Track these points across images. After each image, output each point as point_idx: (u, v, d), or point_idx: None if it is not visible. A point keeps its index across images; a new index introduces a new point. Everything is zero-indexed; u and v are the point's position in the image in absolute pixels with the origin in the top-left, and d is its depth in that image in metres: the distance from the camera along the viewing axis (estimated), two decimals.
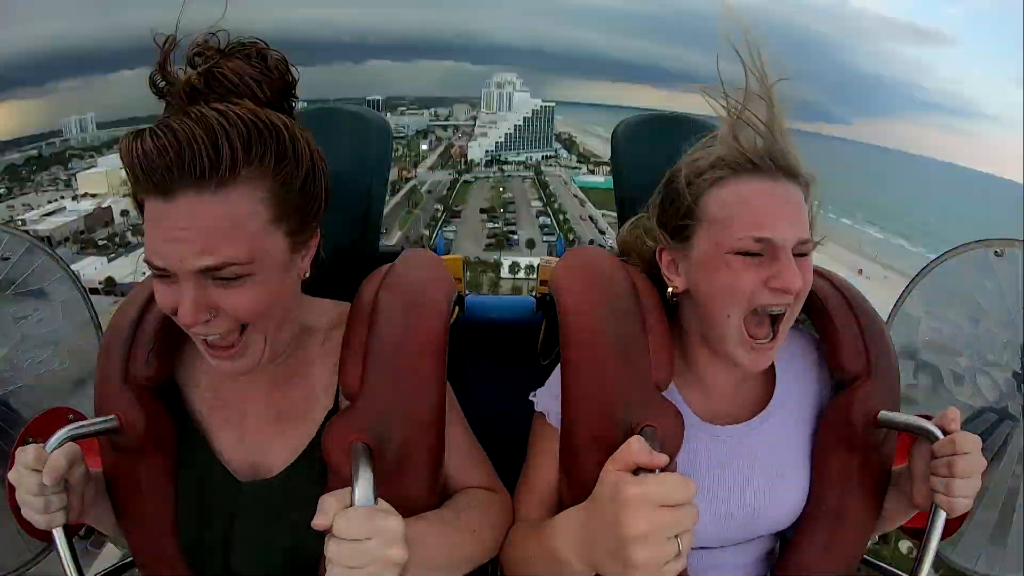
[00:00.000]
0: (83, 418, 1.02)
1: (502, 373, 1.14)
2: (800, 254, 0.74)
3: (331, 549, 0.57)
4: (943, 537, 0.75)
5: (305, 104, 1.00)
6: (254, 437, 0.79)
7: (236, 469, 0.79)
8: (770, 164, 0.75)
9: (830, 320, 0.85)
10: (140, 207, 0.66)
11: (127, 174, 0.63)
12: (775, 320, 0.76)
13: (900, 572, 0.96)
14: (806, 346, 0.91)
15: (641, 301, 0.78)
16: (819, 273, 0.92)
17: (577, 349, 0.76)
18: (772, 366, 0.86)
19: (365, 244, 0.96)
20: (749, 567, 0.88)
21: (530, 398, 0.88)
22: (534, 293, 1.25)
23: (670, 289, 0.81)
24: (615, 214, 1.08)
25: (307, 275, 0.75)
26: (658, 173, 0.88)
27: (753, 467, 0.83)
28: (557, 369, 0.86)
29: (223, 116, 0.62)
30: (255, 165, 0.64)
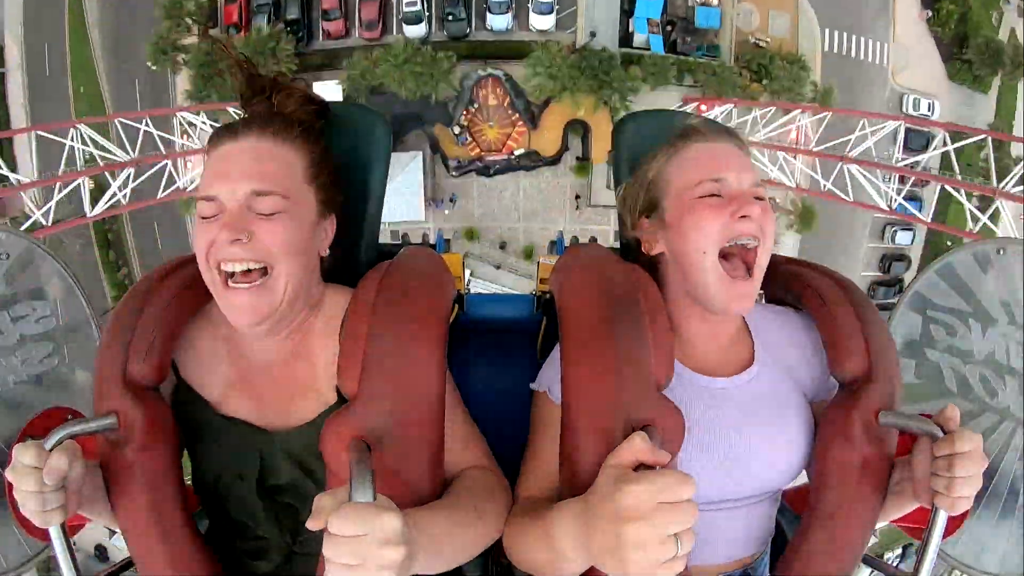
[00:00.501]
0: (82, 417, 1.02)
1: (502, 371, 1.14)
2: (757, 198, 0.81)
3: (328, 547, 0.57)
4: (944, 536, 0.75)
5: None
6: (271, 407, 0.83)
7: (260, 425, 0.83)
8: (712, 127, 0.87)
9: (832, 318, 0.85)
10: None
11: (209, 140, 0.80)
12: (748, 263, 0.82)
13: (900, 572, 0.96)
14: (787, 318, 0.94)
15: (642, 299, 0.78)
16: (821, 270, 0.92)
17: (577, 348, 0.76)
18: (751, 337, 0.90)
19: (365, 242, 0.96)
20: (747, 540, 0.88)
21: (531, 387, 0.88)
22: (534, 292, 1.25)
23: (653, 251, 0.88)
24: None
25: (325, 252, 0.85)
26: None
27: (744, 415, 0.85)
28: (556, 349, 0.86)
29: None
30: (301, 137, 0.82)
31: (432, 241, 1.15)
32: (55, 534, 0.71)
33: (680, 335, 0.87)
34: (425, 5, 14.38)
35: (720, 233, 0.80)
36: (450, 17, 14.28)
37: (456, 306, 0.95)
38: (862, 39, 14.61)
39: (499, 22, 14.30)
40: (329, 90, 12.83)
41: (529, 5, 14.37)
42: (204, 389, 0.85)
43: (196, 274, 0.83)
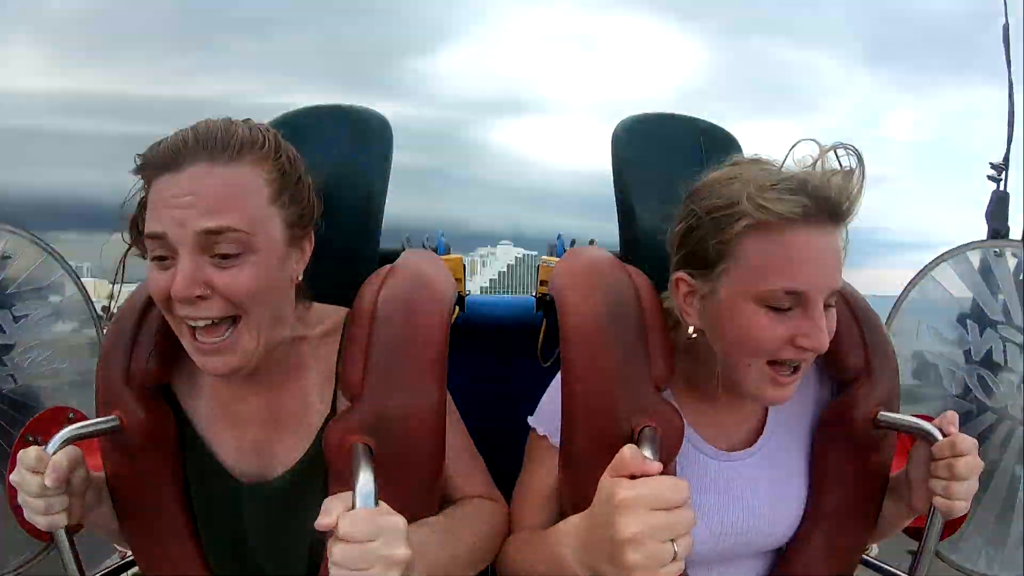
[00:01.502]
0: (83, 418, 1.02)
1: (502, 373, 1.14)
2: (828, 305, 0.70)
3: (336, 551, 0.57)
4: (942, 537, 0.75)
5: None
6: (254, 443, 0.79)
7: (239, 473, 0.79)
8: (821, 207, 0.67)
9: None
10: (141, 209, 0.70)
11: (139, 169, 0.70)
12: (798, 367, 0.73)
13: (900, 572, 0.96)
14: None
15: (641, 302, 0.78)
16: None
17: (577, 349, 0.76)
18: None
19: (365, 245, 0.96)
20: None
21: (529, 421, 0.86)
22: (534, 293, 1.25)
23: (691, 329, 0.75)
24: None
25: (299, 279, 0.76)
26: (657, 173, 0.87)
27: (754, 489, 0.82)
28: (552, 388, 0.85)
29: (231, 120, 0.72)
30: (259, 151, 0.70)
31: (432, 244, 1.15)
32: (59, 536, 0.71)
33: (696, 384, 0.82)
34: None
35: (774, 355, 0.70)
36: None
37: (456, 308, 0.95)
38: None
39: None
40: None
41: None
42: (192, 415, 0.81)
43: None
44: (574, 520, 0.70)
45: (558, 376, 0.79)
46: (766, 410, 0.86)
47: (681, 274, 0.75)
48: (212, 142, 0.67)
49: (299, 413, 0.79)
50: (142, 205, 0.71)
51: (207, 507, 0.79)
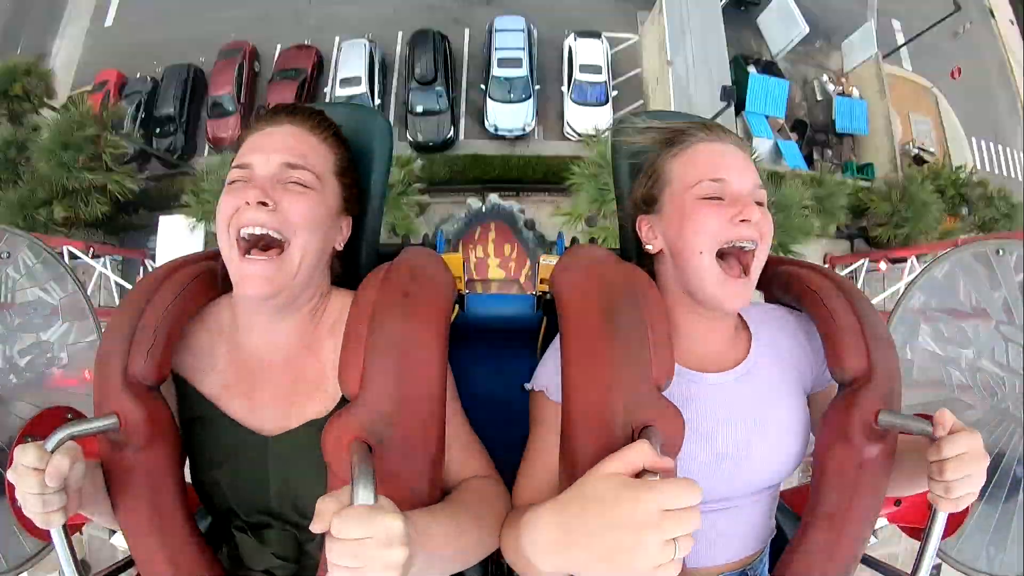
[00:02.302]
0: (82, 417, 1.02)
1: (502, 371, 1.14)
2: (757, 202, 0.82)
3: (331, 550, 0.57)
4: (943, 536, 0.75)
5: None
6: (272, 405, 0.83)
7: (259, 430, 0.83)
8: (718, 128, 0.87)
9: (831, 318, 0.85)
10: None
11: (246, 129, 0.84)
12: (745, 264, 0.82)
13: (900, 572, 0.96)
14: (785, 316, 0.95)
15: (641, 300, 0.78)
16: (820, 271, 0.92)
17: (577, 349, 0.76)
18: (748, 333, 0.91)
19: (365, 242, 0.96)
20: (746, 539, 0.89)
21: (524, 387, 0.88)
22: (535, 291, 1.25)
23: (648, 246, 0.89)
24: None
25: (340, 247, 0.87)
26: None
27: (741, 410, 0.86)
28: (549, 351, 0.87)
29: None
30: (333, 137, 0.86)
31: (433, 242, 1.15)
32: (56, 534, 0.71)
33: (676, 332, 0.87)
34: (375, 85, 8.91)
35: (718, 235, 0.81)
36: (419, 109, 8.50)
37: (457, 306, 0.95)
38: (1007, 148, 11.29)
39: (509, 117, 8.41)
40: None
41: (564, 90, 8.69)
42: (202, 386, 0.85)
43: (197, 275, 0.84)
44: (544, 515, 0.67)
45: (555, 340, 0.82)
46: (749, 340, 0.90)
47: (641, 218, 0.90)
48: (304, 112, 0.84)
49: (316, 383, 0.83)
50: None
51: (227, 467, 0.83)
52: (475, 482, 0.83)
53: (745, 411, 0.86)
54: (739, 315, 0.92)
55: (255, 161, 0.79)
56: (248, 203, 0.76)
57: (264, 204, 0.76)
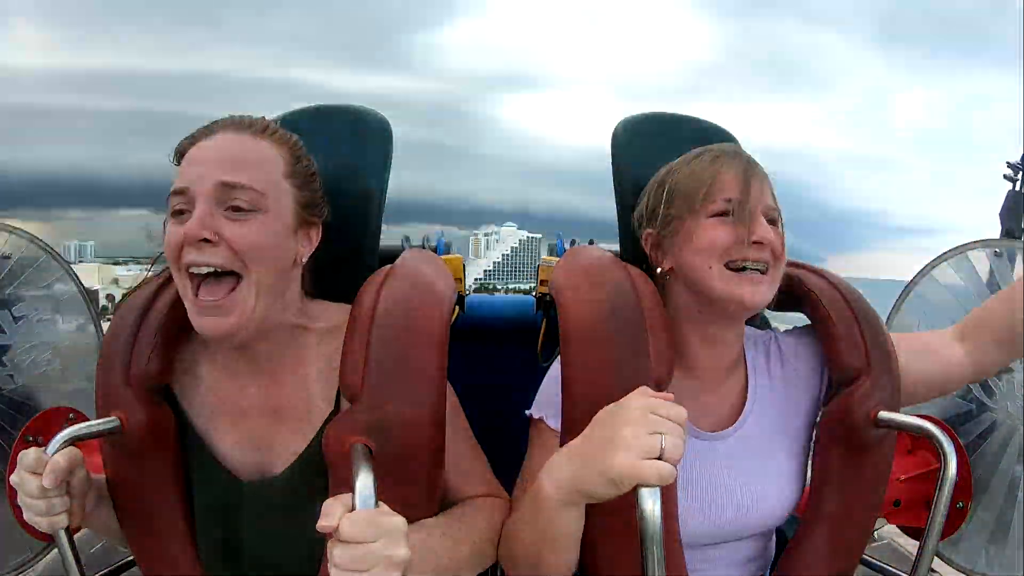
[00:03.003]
0: (83, 418, 1.02)
1: (502, 373, 1.14)
2: (770, 220, 0.80)
3: (337, 553, 0.57)
4: (942, 537, 0.75)
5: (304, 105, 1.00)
6: (254, 435, 0.80)
7: (238, 470, 0.79)
8: (737, 153, 0.84)
9: (830, 319, 0.85)
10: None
11: (179, 150, 0.76)
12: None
13: (900, 572, 0.96)
14: (786, 342, 0.93)
15: (641, 301, 0.78)
16: (819, 273, 0.92)
17: (577, 349, 0.76)
18: (746, 377, 0.88)
19: (365, 245, 0.96)
20: (743, 565, 0.88)
21: (526, 414, 0.87)
22: (534, 293, 1.25)
23: (658, 268, 0.86)
24: None
25: (303, 260, 0.80)
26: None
27: (737, 466, 0.83)
28: (549, 375, 0.86)
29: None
30: (279, 135, 0.79)
31: (433, 244, 1.15)
32: (60, 537, 0.70)
33: (682, 359, 0.85)
34: None
35: (729, 252, 0.78)
36: None
37: (457, 308, 0.95)
38: None
39: None
40: None
41: None
42: (190, 407, 0.81)
43: None
44: (562, 451, 0.69)
45: (554, 365, 0.81)
46: (746, 389, 0.88)
47: (647, 230, 0.87)
48: (241, 121, 0.78)
49: (300, 407, 0.79)
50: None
51: (205, 504, 0.79)
52: (476, 501, 0.82)
53: (738, 466, 0.84)
54: (741, 349, 0.90)
55: (192, 186, 0.72)
56: (187, 243, 0.71)
57: (207, 241, 0.70)
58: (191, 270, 0.72)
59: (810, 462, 0.88)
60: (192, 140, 0.76)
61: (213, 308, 0.71)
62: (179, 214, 0.73)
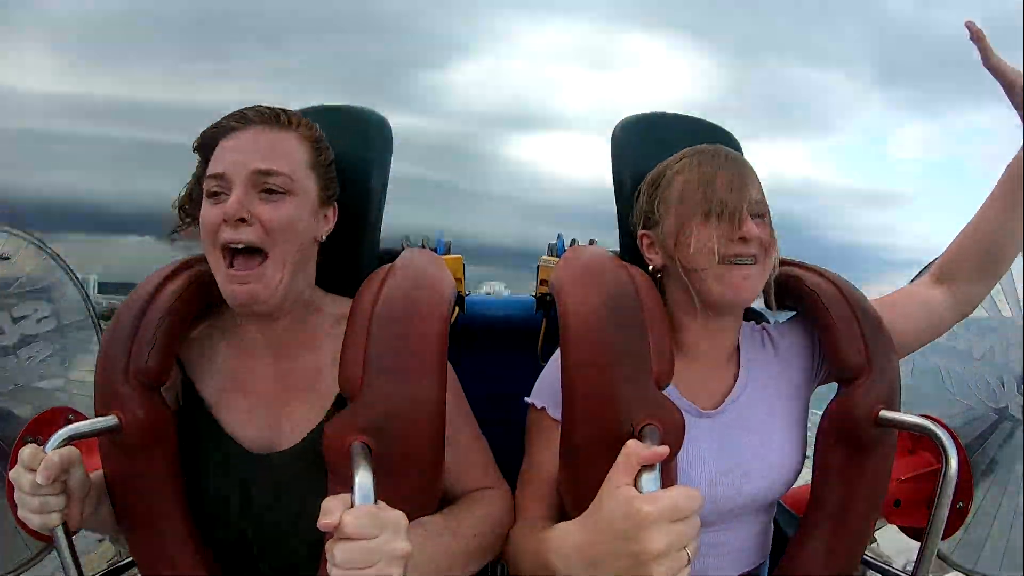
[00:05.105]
0: (83, 418, 1.02)
1: (502, 373, 1.14)
2: (757, 215, 0.82)
3: (338, 550, 0.57)
4: (943, 537, 0.75)
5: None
6: (264, 411, 0.82)
7: (249, 444, 0.82)
8: (722, 153, 0.86)
9: (829, 317, 0.85)
10: (205, 163, 0.84)
11: (207, 136, 0.83)
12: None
13: (900, 572, 0.96)
14: (776, 329, 0.95)
15: (641, 300, 0.78)
16: (818, 272, 0.93)
17: (577, 348, 0.76)
18: (739, 358, 0.91)
19: (365, 244, 0.96)
20: (743, 550, 0.88)
21: (526, 400, 0.87)
22: (534, 293, 1.25)
23: (650, 266, 0.89)
24: None
25: (323, 238, 0.87)
26: None
27: (731, 432, 0.85)
28: (550, 365, 0.86)
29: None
30: (303, 129, 0.86)
31: (432, 244, 1.15)
32: (59, 537, 0.70)
33: (679, 345, 0.87)
34: None
35: (718, 251, 0.80)
36: None
37: (456, 308, 0.95)
38: None
39: None
40: None
41: None
42: (204, 388, 0.85)
43: (200, 275, 0.84)
44: (571, 531, 0.68)
45: (556, 353, 0.81)
46: (738, 368, 0.90)
47: (642, 232, 0.89)
48: (269, 115, 0.84)
49: (310, 384, 0.83)
50: (191, 187, 0.87)
51: (215, 476, 0.81)
52: (476, 494, 0.83)
53: (735, 433, 0.86)
54: (736, 344, 0.91)
55: (229, 171, 0.79)
56: (226, 221, 0.77)
57: (243, 220, 0.77)
58: (229, 245, 0.78)
59: (810, 462, 0.88)
60: (221, 129, 0.83)
61: (244, 278, 0.78)
62: (214, 195, 0.80)
